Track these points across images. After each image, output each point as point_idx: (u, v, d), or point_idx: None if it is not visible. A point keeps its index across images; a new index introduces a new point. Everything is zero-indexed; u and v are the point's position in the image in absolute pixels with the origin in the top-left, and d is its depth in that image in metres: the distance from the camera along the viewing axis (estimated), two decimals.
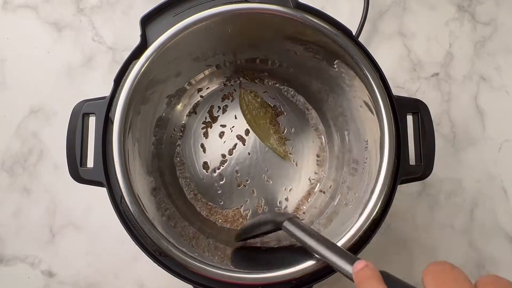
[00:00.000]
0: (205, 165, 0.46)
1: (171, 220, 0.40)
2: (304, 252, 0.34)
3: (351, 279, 0.29)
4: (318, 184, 0.46)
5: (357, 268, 0.28)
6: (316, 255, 0.32)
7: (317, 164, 0.46)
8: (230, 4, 0.36)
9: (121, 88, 0.35)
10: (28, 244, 0.48)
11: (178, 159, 0.46)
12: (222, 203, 0.46)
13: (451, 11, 0.53)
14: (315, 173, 0.46)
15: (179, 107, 0.46)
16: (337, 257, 0.31)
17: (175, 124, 0.46)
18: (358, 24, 0.50)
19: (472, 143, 0.51)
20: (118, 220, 0.34)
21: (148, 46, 0.35)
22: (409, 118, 0.37)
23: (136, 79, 0.35)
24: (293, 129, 0.47)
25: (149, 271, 0.47)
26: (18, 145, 0.50)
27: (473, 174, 0.50)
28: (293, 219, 0.36)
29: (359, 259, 0.30)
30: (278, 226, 0.37)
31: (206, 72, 0.45)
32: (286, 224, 0.35)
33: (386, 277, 0.26)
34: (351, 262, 0.30)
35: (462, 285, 0.21)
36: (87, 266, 0.48)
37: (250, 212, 0.45)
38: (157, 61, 0.36)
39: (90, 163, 0.35)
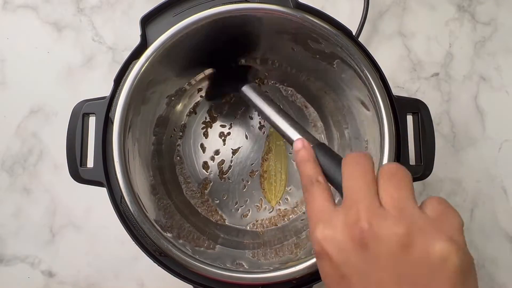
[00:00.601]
0: (205, 165, 0.46)
1: (169, 219, 0.40)
2: None
3: None
4: None
5: (296, 148, 0.29)
6: (269, 123, 0.34)
7: None
8: (230, 4, 0.36)
9: (121, 88, 0.35)
10: (28, 244, 0.48)
11: (178, 158, 0.46)
12: (221, 202, 0.46)
13: (451, 11, 0.53)
14: None
15: (179, 107, 0.46)
16: (289, 127, 0.33)
17: (175, 124, 0.46)
18: (358, 24, 0.50)
19: (472, 143, 0.51)
20: (118, 220, 0.34)
21: (148, 46, 0.35)
22: (409, 118, 0.37)
23: (136, 79, 0.35)
24: None
25: (149, 271, 0.47)
26: (18, 145, 0.50)
27: (473, 174, 0.50)
28: (253, 84, 0.36)
29: (300, 137, 0.31)
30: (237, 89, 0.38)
31: (206, 72, 0.45)
32: (245, 89, 0.36)
33: (321, 149, 0.28)
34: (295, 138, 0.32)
35: (367, 177, 0.24)
36: (87, 266, 0.48)
37: (250, 212, 0.45)
38: (157, 61, 0.36)
39: (90, 163, 0.35)
